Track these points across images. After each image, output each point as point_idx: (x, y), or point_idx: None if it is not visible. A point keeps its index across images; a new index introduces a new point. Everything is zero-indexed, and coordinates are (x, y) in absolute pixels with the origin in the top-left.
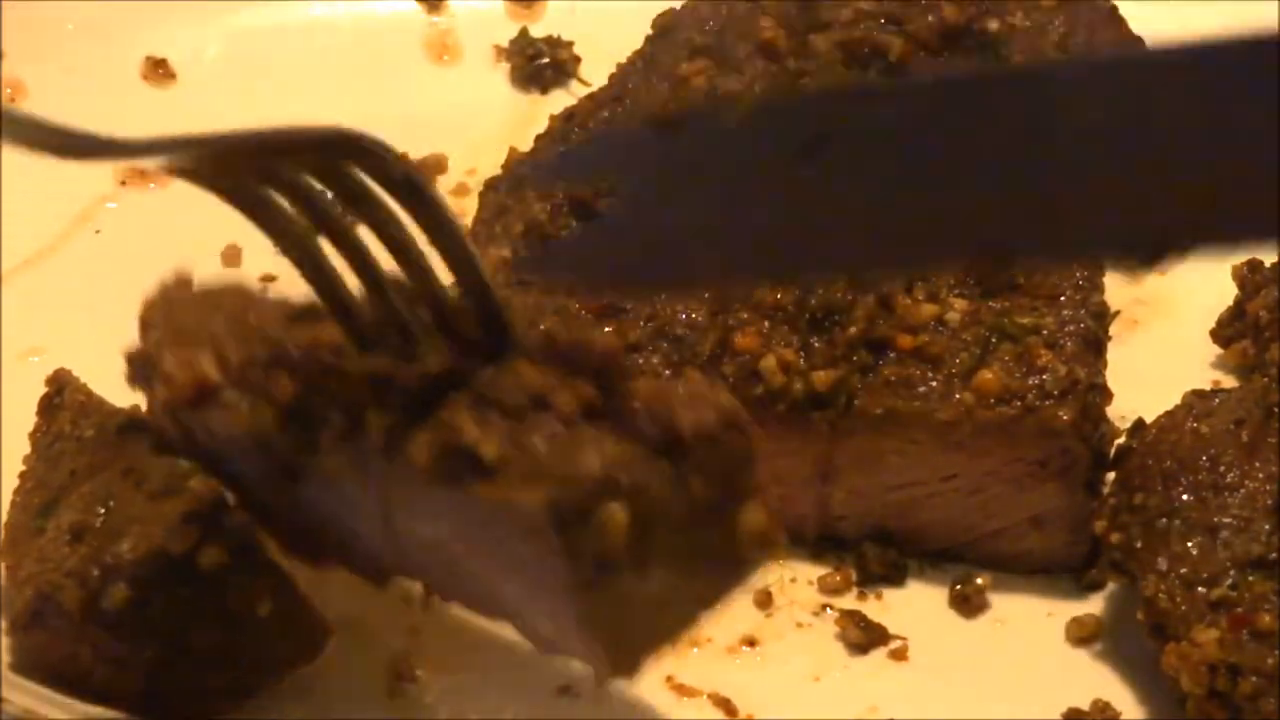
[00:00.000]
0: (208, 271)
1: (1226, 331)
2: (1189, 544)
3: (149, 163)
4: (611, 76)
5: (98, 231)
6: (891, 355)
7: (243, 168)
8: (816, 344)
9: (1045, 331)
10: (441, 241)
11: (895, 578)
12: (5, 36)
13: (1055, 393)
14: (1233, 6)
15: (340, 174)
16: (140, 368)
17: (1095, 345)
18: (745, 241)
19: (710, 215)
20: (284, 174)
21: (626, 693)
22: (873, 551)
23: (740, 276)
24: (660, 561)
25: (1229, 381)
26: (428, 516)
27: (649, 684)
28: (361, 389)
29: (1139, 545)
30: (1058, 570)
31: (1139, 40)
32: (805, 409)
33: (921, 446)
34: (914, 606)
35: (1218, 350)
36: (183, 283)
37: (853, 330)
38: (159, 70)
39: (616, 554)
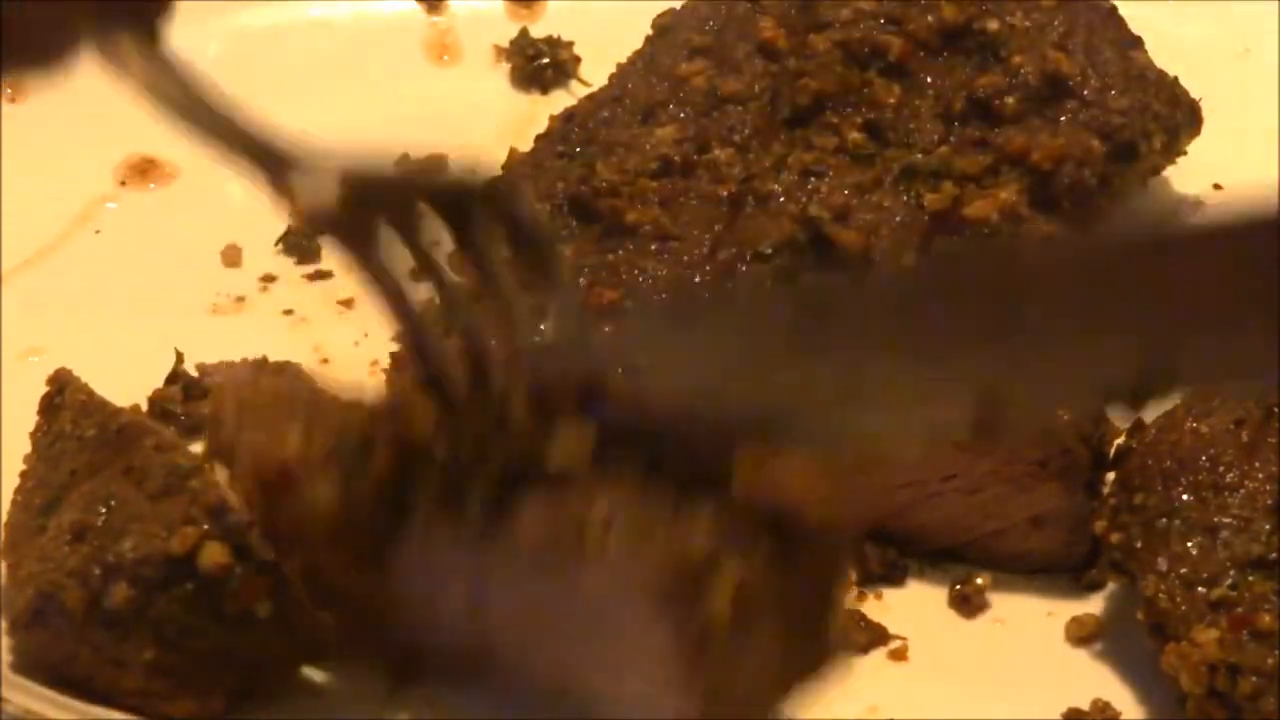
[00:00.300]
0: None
1: None
2: (1189, 544)
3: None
4: (611, 77)
5: (98, 232)
6: None
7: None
8: None
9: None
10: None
11: (895, 577)
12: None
13: None
14: (1231, 7)
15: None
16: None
17: None
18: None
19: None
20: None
21: None
22: (873, 551)
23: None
24: (757, 639)
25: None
26: (526, 592)
27: None
28: (458, 469)
29: (1139, 545)
30: (1058, 570)
31: (1138, 40)
32: None
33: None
34: (914, 606)
35: None
36: (248, 369)
37: None
38: None
39: (722, 625)
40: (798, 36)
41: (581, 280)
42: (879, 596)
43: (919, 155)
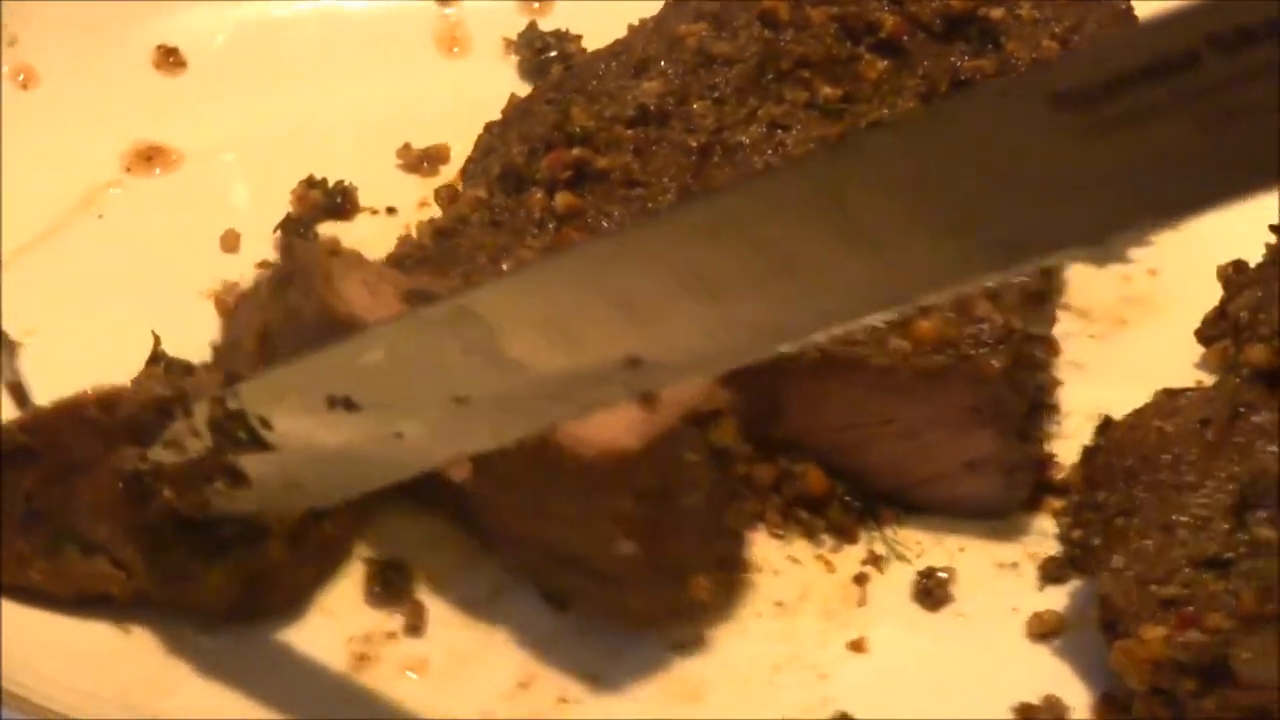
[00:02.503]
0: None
1: (1210, 332)
2: (1146, 541)
3: None
4: (623, 37)
5: (100, 216)
6: None
7: None
8: None
9: (989, 284)
10: None
11: (852, 532)
12: (16, 24)
13: (989, 341)
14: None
15: None
16: None
17: (1037, 298)
18: None
19: None
20: None
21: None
22: (835, 512)
23: None
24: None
25: (1209, 381)
26: None
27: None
28: None
29: (1097, 542)
30: (994, 515)
31: None
32: None
33: (859, 390)
34: (876, 600)
35: (1201, 350)
36: None
37: None
38: (170, 59)
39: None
40: (801, 9)
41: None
42: (834, 549)
43: (885, 112)
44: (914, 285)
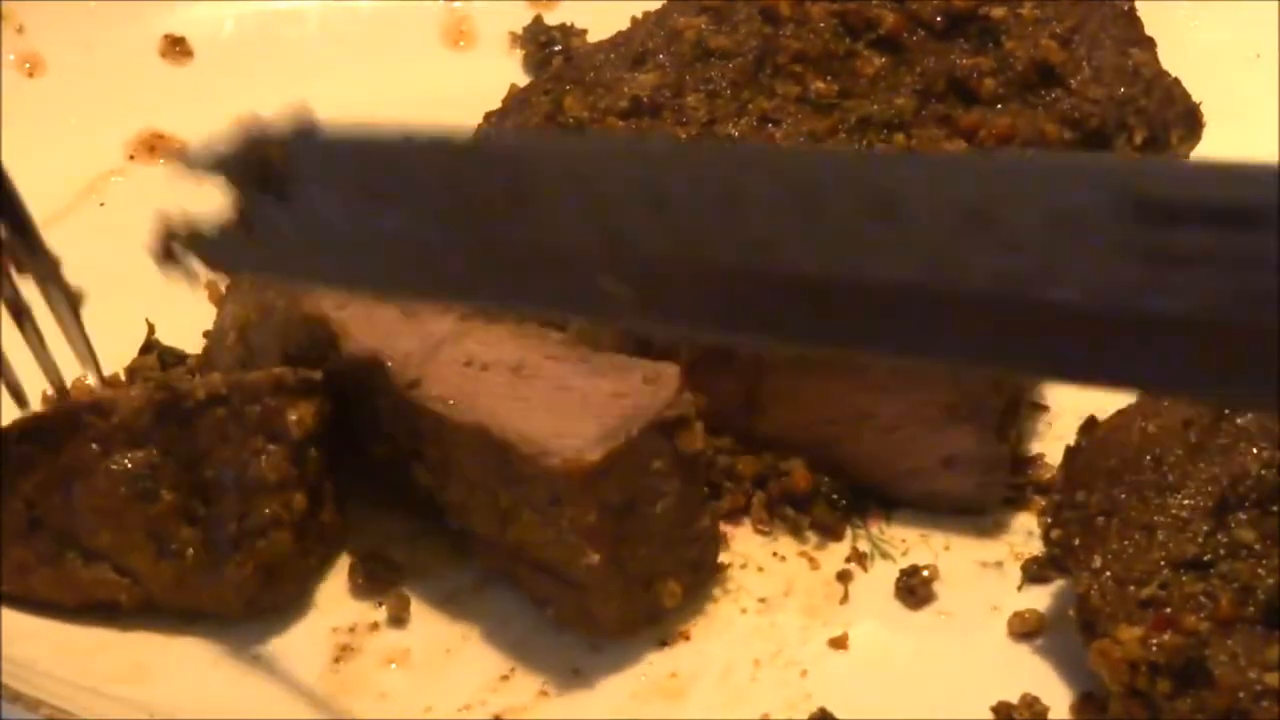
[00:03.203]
0: None
1: None
2: (1125, 542)
3: None
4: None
5: (102, 204)
6: None
7: None
8: None
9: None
10: None
11: (837, 530)
12: (25, 13)
13: None
14: (1244, 11)
15: None
16: None
17: None
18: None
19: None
20: None
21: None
22: (820, 509)
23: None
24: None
25: None
26: None
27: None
28: None
29: (1077, 543)
30: (972, 511)
31: (1148, 41)
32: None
33: (838, 386)
34: (859, 597)
35: None
36: None
37: None
38: (177, 48)
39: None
40: (801, 5)
41: None
42: (819, 546)
43: (876, 107)
44: None
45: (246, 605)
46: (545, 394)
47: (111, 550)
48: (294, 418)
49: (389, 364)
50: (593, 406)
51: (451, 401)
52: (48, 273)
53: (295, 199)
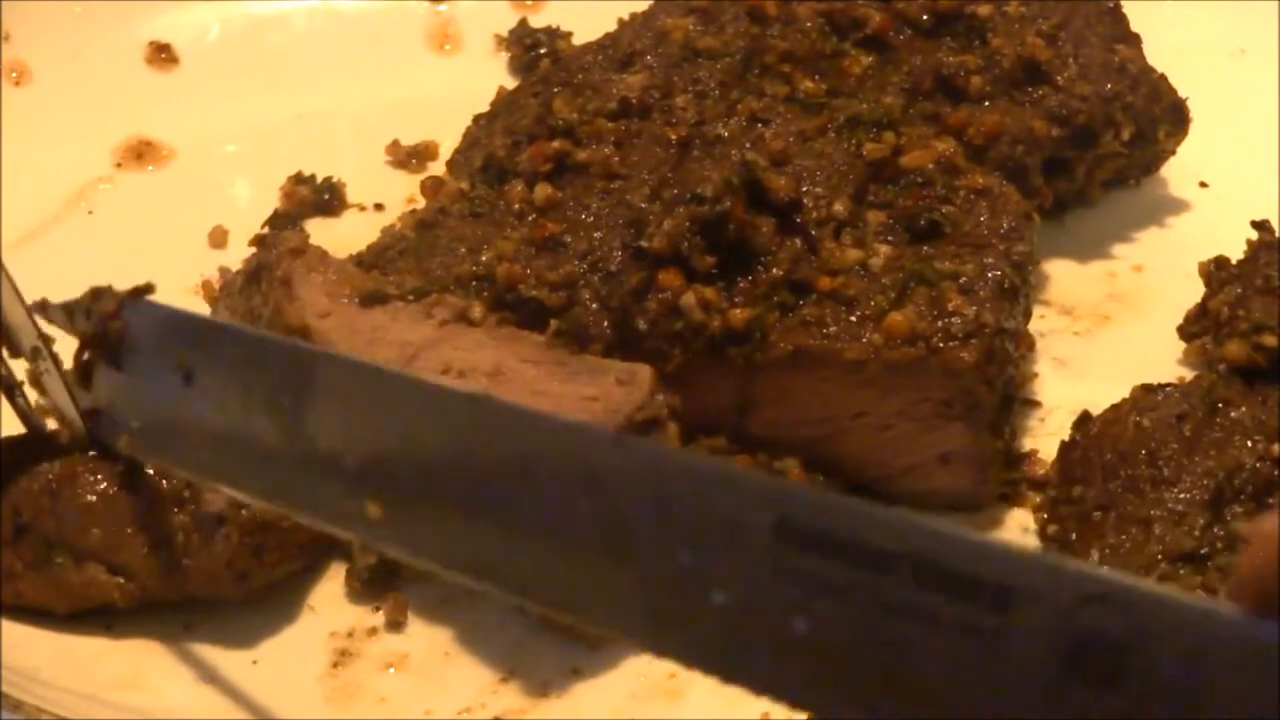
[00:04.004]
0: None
1: (1192, 328)
2: (1122, 536)
3: None
4: (612, 31)
5: (90, 212)
6: (812, 296)
7: None
8: (741, 283)
9: (963, 278)
10: None
11: None
12: (10, 21)
13: (960, 335)
14: (1228, 7)
15: None
16: None
17: (1011, 293)
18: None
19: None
20: None
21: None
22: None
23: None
24: None
25: (1190, 377)
26: None
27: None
28: None
29: (1074, 538)
30: (967, 508)
31: (1134, 37)
32: (722, 344)
33: (832, 384)
34: None
35: (1184, 346)
36: None
37: (776, 271)
38: (163, 55)
39: None
40: (788, 5)
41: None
42: None
43: (865, 106)
44: None
45: (238, 581)
46: (518, 399)
47: (102, 548)
48: None
49: None
50: (565, 410)
51: None
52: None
53: (125, 364)
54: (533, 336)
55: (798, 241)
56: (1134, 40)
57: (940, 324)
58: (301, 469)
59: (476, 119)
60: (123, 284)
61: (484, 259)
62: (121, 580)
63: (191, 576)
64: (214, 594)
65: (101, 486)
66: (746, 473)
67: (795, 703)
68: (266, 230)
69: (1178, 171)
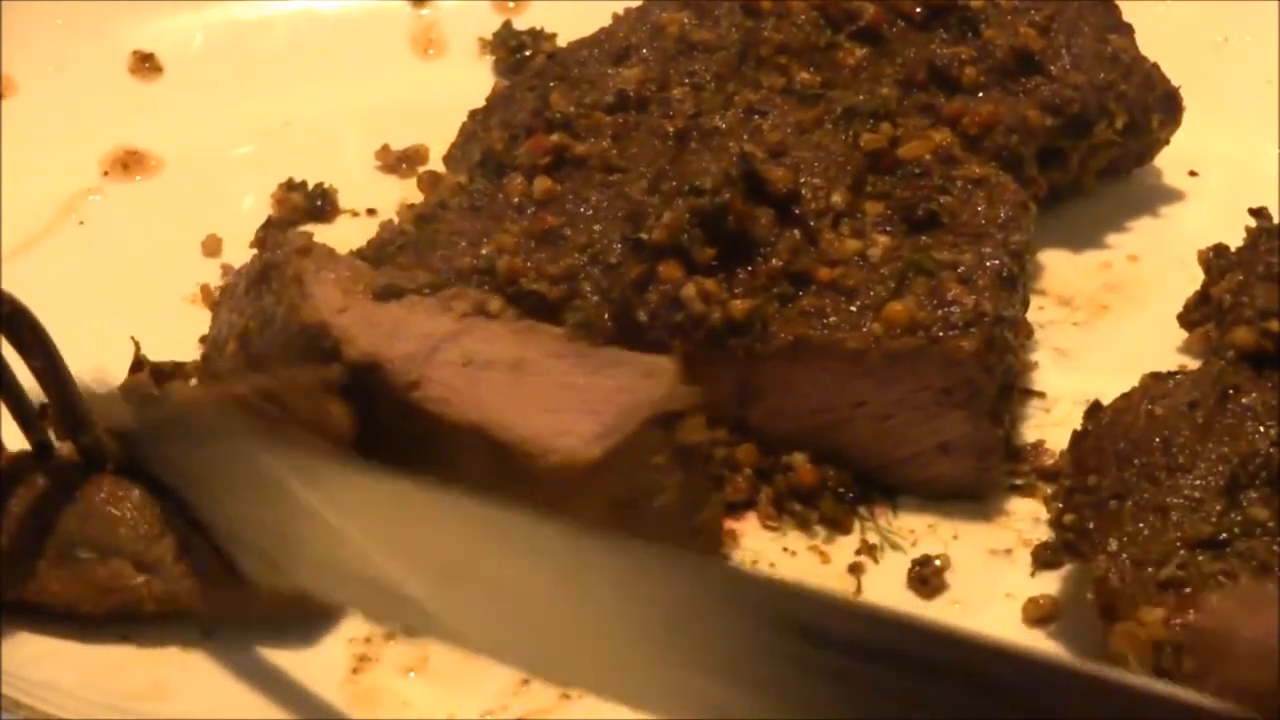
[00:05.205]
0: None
1: (1193, 316)
2: (1140, 524)
3: None
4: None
5: (81, 223)
6: (812, 287)
7: None
8: (741, 274)
9: (962, 268)
10: None
11: (845, 523)
12: None
13: (960, 324)
14: (1224, 5)
15: None
16: None
17: (1009, 282)
18: None
19: None
20: None
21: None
22: (827, 503)
23: None
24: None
25: (1194, 365)
26: None
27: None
28: None
29: (1091, 526)
30: (971, 496)
31: (1126, 27)
32: (722, 335)
33: (832, 374)
34: (872, 589)
35: (1184, 334)
36: None
37: (775, 262)
38: (146, 64)
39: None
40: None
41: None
42: (828, 540)
43: (861, 97)
44: None
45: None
46: (544, 392)
47: (130, 544)
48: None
49: (389, 367)
50: (591, 403)
51: (451, 402)
52: None
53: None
54: (552, 329)
55: (797, 232)
56: (1126, 30)
57: (940, 313)
58: None
59: (472, 114)
60: (118, 295)
61: (484, 252)
62: (148, 578)
63: (216, 588)
64: (237, 612)
65: (135, 494)
66: None
67: None
68: (264, 235)
69: (1168, 161)
